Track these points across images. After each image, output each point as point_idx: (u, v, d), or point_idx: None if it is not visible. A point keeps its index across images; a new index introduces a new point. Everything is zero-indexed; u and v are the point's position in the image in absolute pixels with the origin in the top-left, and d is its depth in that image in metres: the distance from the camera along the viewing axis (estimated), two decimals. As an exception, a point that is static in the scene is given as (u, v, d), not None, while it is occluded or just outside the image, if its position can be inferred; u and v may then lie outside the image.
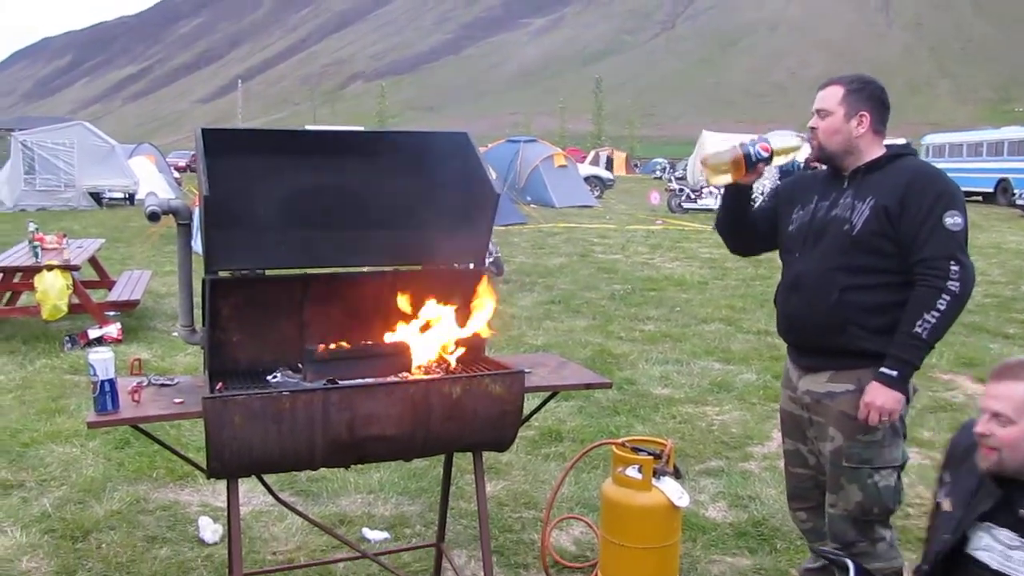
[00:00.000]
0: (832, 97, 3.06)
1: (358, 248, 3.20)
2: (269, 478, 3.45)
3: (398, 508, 4.63)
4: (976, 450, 2.46)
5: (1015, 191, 28.69)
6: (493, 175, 13.67)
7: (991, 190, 31.39)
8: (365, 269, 3.26)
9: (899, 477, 3.12)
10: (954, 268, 2.83)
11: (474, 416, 2.88)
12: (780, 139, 3.14)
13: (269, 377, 3.14)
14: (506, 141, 29.78)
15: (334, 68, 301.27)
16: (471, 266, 3.30)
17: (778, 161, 3.11)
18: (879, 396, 2.90)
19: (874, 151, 3.08)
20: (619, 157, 59.93)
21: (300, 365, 3.19)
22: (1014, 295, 12.22)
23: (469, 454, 3.32)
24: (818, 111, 3.08)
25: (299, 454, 2.85)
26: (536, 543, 4.18)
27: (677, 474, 3.66)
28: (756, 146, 3.10)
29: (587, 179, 32.14)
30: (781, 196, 3.36)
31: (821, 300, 3.02)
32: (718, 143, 36.51)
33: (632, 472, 3.63)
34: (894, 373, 2.89)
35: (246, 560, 3.95)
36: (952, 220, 2.87)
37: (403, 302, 3.26)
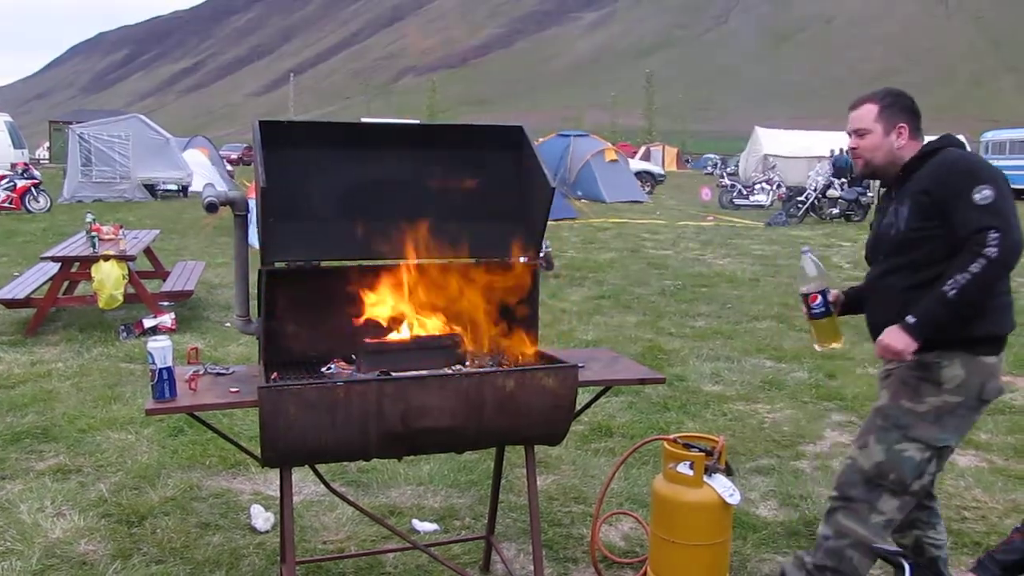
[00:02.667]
0: (868, 116, 3.19)
1: (413, 240, 3.20)
2: (320, 468, 3.48)
3: (448, 500, 4.64)
4: None
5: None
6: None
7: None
8: (420, 261, 3.27)
9: (931, 460, 3.12)
10: (993, 236, 2.84)
11: (527, 409, 2.88)
12: (809, 273, 3.38)
13: (323, 368, 3.17)
14: (557, 135, 29.72)
15: (385, 62, 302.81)
16: (524, 260, 3.29)
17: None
18: (890, 336, 2.99)
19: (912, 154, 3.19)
20: (670, 152, 59.56)
21: (354, 356, 3.21)
22: (1076, 296, 11.92)
23: (520, 447, 3.32)
24: (856, 131, 3.21)
25: (352, 444, 2.87)
26: (585, 538, 4.17)
27: (729, 471, 3.63)
28: (811, 303, 3.37)
29: (638, 174, 31.98)
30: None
31: (890, 307, 3.10)
32: (771, 143, 36.08)
33: (684, 468, 3.60)
34: (912, 320, 2.95)
35: (296, 549, 3.99)
36: (980, 195, 2.89)
37: (457, 294, 3.27)
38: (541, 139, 29.44)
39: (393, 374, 2.92)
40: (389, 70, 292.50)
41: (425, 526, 4.33)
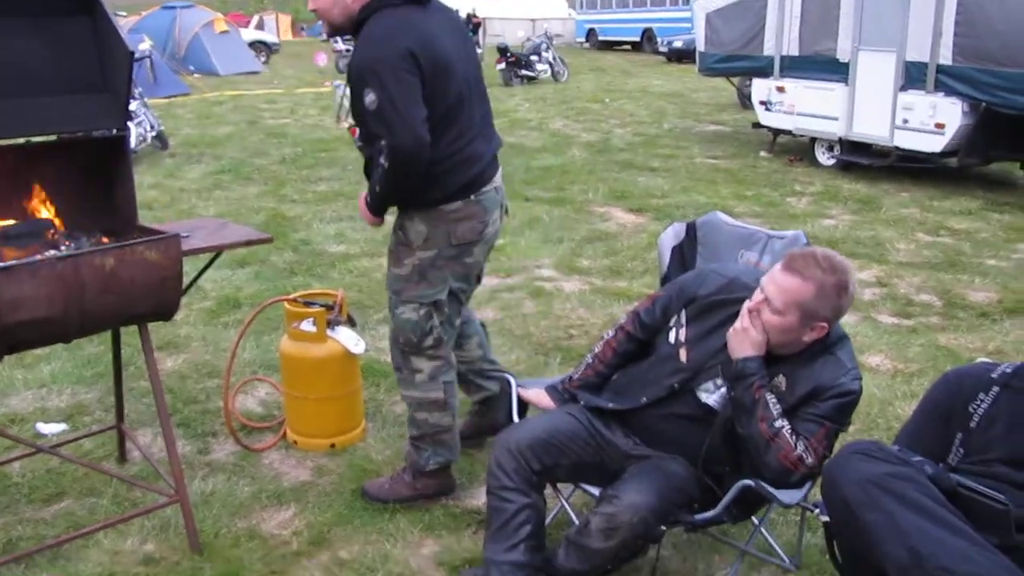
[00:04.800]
0: None
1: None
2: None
3: (75, 398, 4.43)
4: (720, 309, 2.74)
5: (658, 39, 30.81)
6: (149, 44, 12.70)
7: (638, 39, 33.45)
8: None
9: (430, 315, 3.24)
10: (383, 144, 2.95)
11: (131, 286, 2.78)
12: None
13: None
14: (161, 8, 27.62)
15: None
16: (113, 132, 3.12)
17: None
18: (361, 204, 3.27)
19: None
20: (284, 21, 57.56)
21: (-69, 256, 2.92)
22: (658, 133, 13.34)
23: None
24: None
25: (-59, 350, 2.64)
26: (222, 410, 4.18)
27: (352, 323, 3.77)
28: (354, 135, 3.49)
29: (252, 44, 30.68)
30: None
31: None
32: None
33: (307, 326, 3.70)
34: (368, 197, 3.21)
35: None
36: (368, 99, 2.94)
37: (43, 175, 3.05)
38: (143, 12, 27.28)
39: (-23, 268, 2.70)
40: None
41: (51, 428, 4.12)
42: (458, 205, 3.14)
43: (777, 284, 2.55)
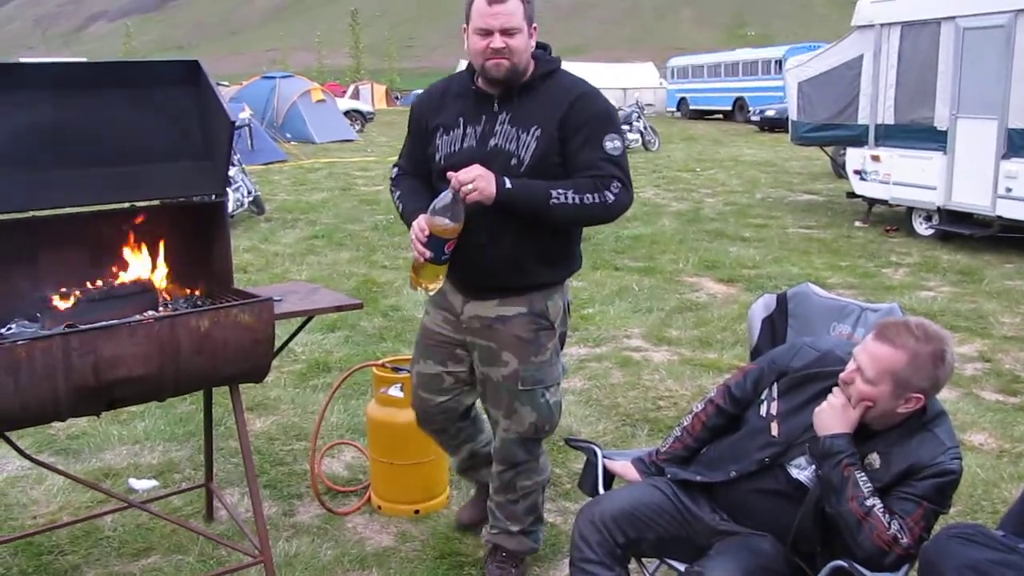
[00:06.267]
0: (518, 11, 2.81)
1: (89, 186, 3.03)
2: (23, 440, 3.28)
3: (166, 455, 4.52)
4: (813, 383, 2.67)
5: (750, 108, 30.77)
6: (248, 112, 13.14)
7: (729, 108, 33.46)
8: (101, 208, 3.11)
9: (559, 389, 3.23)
10: (616, 186, 2.85)
11: (225, 347, 2.84)
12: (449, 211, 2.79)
13: (3, 330, 2.97)
14: (262, 78, 28.75)
15: (71, 7, 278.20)
16: (212, 198, 3.22)
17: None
18: (477, 172, 2.75)
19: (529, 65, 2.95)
20: (379, 90, 59.23)
21: (38, 315, 3.03)
22: (750, 202, 13.23)
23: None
24: (506, 30, 2.80)
25: (43, 406, 2.71)
26: (308, 473, 4.21)
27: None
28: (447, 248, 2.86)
29: (347, 113, 31.61)
30: (415, 116, 3.21)
31: (497, 246, 2.95)
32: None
33: (394, 391, 3.72)
34: (508, 184, 2.78)
35: (3, 528, 3.78)
36: (615, 143, 2.89)
37: (144, 238, 3.16)
38: (245, 82, 28.36)
39: (80, 326, 2.79)
40: (76, 16, 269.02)
41: (143, 484, 4.21)
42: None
43: (869, 352, 2.47)
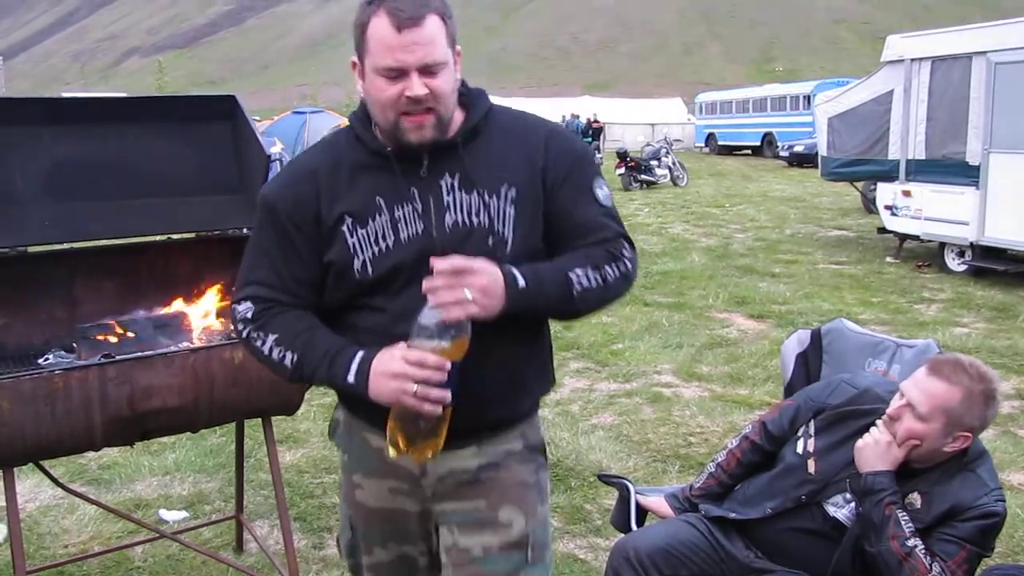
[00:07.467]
0: (437, 34, 1.83)
1: (127, 219, 3.09)
2: (56, 470, 3.31)
3: (196, 486, 4.53)
4: (851, 420, 2.64)
5: (779, 143, 30.76)
6: (280, 146, 13.29)
7: (758, 143, 33.44)
8: (136, 240, 3.16)
9: None
10: (626, 248, 2.03)
11: (259, 380, 2.86)
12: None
13: (41, 360, 3.01)
14: (292, 113, 29.11)
15: (107, 43, 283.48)
16: (245, 231, 3.26)
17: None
18: (465, 265, 1.76)
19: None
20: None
21: (75, 344, 3.07)
22: (779, 238, 13.18)
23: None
24: (426, 68, 1.82)
25: (78, 435, 2.74)
26: (338, 506, 4.20)
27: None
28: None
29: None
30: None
31: (488, 363, 1.92)
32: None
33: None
34: (521, 282, 1.84)
35: (35, 557, 3.79)
36: (605, 191, 2.06)
37: (180, 270, 3.20)
38: (276, 117, 28.71)
39: (116, 356, 2.82)
40: (112, 51, 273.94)
41: (173, 515, 4.22)
42: None
43: (921, 388, 2.43)
